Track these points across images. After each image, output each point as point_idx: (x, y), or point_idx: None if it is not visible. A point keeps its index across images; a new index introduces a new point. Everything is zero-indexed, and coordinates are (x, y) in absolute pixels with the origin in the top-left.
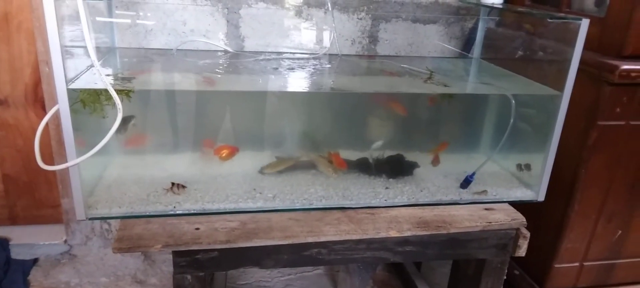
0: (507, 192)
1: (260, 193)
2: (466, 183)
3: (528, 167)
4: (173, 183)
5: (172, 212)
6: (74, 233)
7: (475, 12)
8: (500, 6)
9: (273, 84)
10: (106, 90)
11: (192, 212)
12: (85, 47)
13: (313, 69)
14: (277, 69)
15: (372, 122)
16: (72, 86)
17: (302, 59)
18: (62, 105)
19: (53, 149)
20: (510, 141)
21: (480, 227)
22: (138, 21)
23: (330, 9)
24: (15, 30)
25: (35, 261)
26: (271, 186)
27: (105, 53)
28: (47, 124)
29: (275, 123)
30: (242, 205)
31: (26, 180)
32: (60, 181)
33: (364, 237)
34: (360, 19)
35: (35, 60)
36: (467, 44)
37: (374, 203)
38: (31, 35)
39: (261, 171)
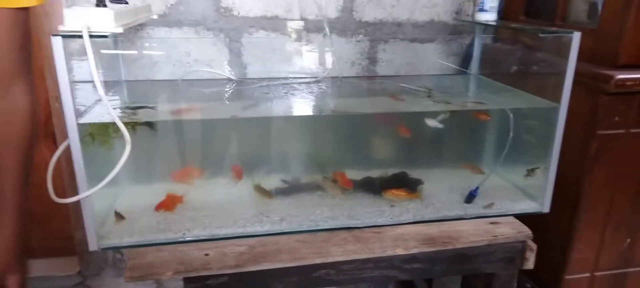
0: (512, 205)
1: (267, 216)
2: (470, 198)
3: (532, 171)
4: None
5: (181, 239)
6: (87, 265)
7: (471, 30)
8: (495, 23)
9: (276, 109)
10: (114, 123)
11: (201, 238)
12: (91, 82)
13: (315, 92)
14: (282, 93)
15: (375, 142)
16: (82, 121)
17: (304, 82)
18: (73, 140)
19: (65, 182)
20: (513, 154)
21: (486, 241)
22: (144, 52)
23: (328, 33)
24: None
25: None
26: (278, 209)
27: (112, 86)
28: (59, 158)
29: (279, 147)
30: (250, 230)
31: (40, 213)
32: (73, 213)
33: (371, 255)
34: (359, 41)
35: (45, 96)
36: (465, 60)
37: (379, 221)
38: (41, 72)
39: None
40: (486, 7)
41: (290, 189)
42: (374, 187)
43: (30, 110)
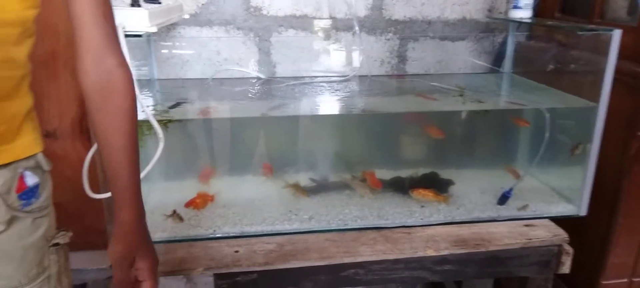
0: (548, 207)
1: (296, 215)
2: (503, 199)
3: (576, 148)
4: (174, 212)
5: (212, 236)
6: None
7: (504, 27)
8: (530, 20)
9: (305, 107)
10: (147, 121)
11: (232, 235)
12: None
13: (343, 90)
14: (310, 91)
15: (406, 141)
16: None
17: (333, 81)
18: None
19: (99, 178)
20: (549, 155)
21: (521, 244)
22: (175, 51)
23: (358, 31)
24: (62, 67)
25: (83, 286)
26: (307, 207)
27: (145, 85)
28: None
29: (308, 145)
30: (279, 227)
31: (74, 208)
32: (106, 208)
33: (401, 256)
34: (388, 39)
35: (80, 94)
36: (497, 58)
37: (409, 222)
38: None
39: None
40: (521, 4)
41: (319, 188)
42: (403, 187)
43: (129, 82)
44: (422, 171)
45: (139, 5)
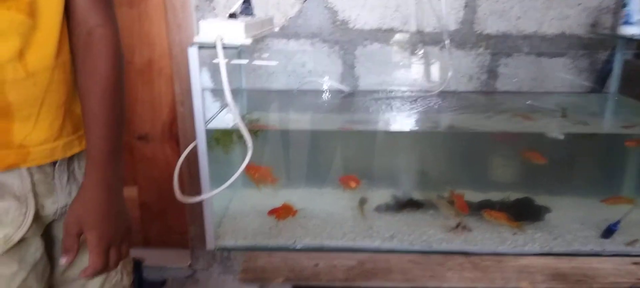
0: None
1: (377, 232)
2: (609, 232)
3: None
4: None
5: (292, 247)
6: (197, 259)
7: (610, 44)
8: None
9: (389, 122)
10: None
11: (311, 247)
12: (213, 90)
13: (431, 106)
14: (392, 107)
15: (499, 163)
16: (210, 126)
17: (418, 96)
18: (200, 143)
19: (183, 181)
20: None
21: (629, 283)
22: (261, 62)
23: (447, 45)
24: (156, 75)
25: (163, 283)
26: (388, 225)
27: (234, 95)
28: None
29: (391, 161)
30: (360, 244)
31: (159, 207)
32: (188, 209)
33: (491, 286)
34: (479, 54)
35: (171, 100)
36: (600, 77)
37: (500, 249)
38: (170, 79)
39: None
40: (633, 19)
41: (401, 205)
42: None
43: (108, 43)
44: (514, 196)
45: (235, 18)
